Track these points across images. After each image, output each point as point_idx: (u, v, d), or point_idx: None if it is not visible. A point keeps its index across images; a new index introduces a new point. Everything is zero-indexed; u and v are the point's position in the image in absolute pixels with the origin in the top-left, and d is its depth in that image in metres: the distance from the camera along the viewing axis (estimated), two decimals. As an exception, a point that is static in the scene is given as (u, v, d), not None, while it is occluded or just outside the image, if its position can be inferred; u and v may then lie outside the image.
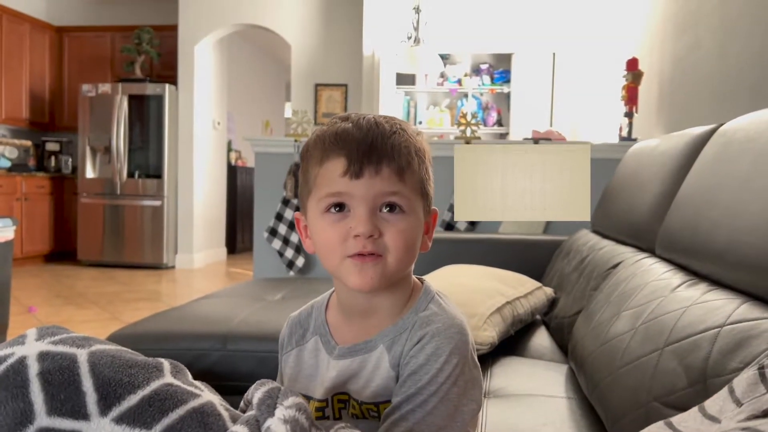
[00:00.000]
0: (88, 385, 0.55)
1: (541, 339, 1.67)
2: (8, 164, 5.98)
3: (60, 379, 0.55)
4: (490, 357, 1.45)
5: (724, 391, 0.60)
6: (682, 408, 0.77)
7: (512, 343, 1.59)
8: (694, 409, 0.61)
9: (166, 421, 0.55)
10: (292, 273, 3.28)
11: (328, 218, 0.70)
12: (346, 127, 0.70)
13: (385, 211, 0.70)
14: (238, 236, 7.44)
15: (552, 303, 1.78)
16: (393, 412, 0.68)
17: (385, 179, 0.69)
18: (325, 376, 0.77)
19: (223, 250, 6.87)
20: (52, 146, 6.58)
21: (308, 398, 0.78)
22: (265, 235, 3.31)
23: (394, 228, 0.70)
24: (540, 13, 5.54)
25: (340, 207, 0.70)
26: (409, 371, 0.69)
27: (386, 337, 0.74)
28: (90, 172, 6.05)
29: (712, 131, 1.29)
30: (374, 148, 0.69)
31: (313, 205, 0.72)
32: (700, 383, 0.77)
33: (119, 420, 0.54)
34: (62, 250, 6.29)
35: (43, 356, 0.57)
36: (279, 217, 3.30)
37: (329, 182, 0.70)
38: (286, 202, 3.29)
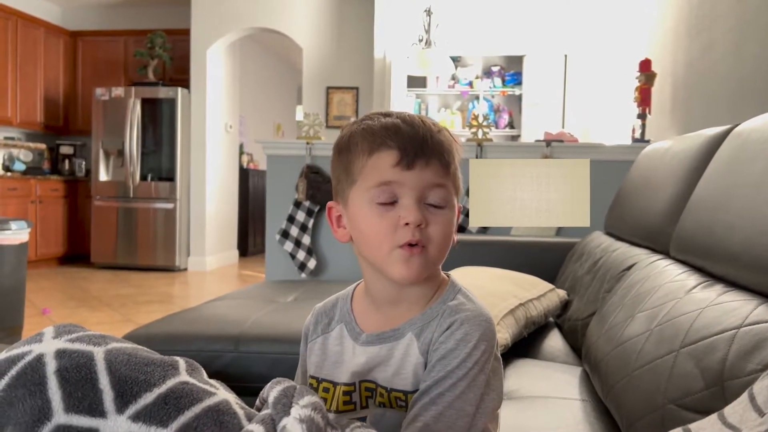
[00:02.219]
0: (104, 382, 0.56)
1: (555, 341, 1.66)
2: (23, 167, 6.04)
3: (77, 376, 0.56)
4: (503, 359, 1.44)
5: (745, 398, 0.59)
6: (699, 410, 0.76)
7: (525, 345, 1.58)
8: (714, 416, 0.60)
9: (182, 419, 0.55)
10: (303, 275, 3.29)
11: (377, 208, 0.73)
12: (395, 122, 0.74)
13: (430, 204, 0.73)
14: (250, 239, 7.47)
15: (565, 305, 1.78)
16: (422, 396, 0.70)
17: (434, 172, 0.73)
18: (351, 362, 0.78)
19: (235, 252, 6.89)
20: (66, 149, 6.64)
21: (334, 383, 0.79)
22: (277, 237, 3.32)
23: (438, 220, 0.73)
24: (551, 15, 5.53)
25: (390, 199, 0.73)
26: (438, 356, 0.71)
27: (414, 325, 0.76)
28: (103, 175, 6.10)
29: (727, 132, 1.28)
30: (426, 142, 0.73)
31: (359, 194, 0.74)
32: (717, 385, 0.76)
33: (136, 418, 0.54)
34: (76, 253, 6.34)
35: (60, 354, 0.57)
36: (291, 220, 3.30)
37: (380, 172, 0.73)
38: (297, 205, 3.30)
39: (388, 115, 0.76)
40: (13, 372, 0.56)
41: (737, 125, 1.21)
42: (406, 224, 0.71)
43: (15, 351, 0.59)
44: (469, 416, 0.69)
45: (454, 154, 0.76)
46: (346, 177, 0.76)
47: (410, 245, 0.72)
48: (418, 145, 0.72)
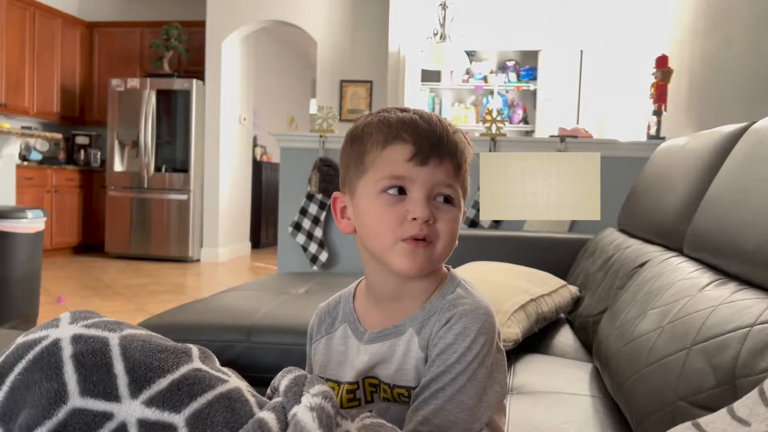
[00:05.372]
0: (119, 368, 0.56)
1: (565, 337, 1.66)
2: (39, 157, 6.10)
3: (93, 361, 0.56)
4: (513, 354, 1.44)
5: (755, 393, 0.58)
6: (710, 408, 0.76)
7: (536, 340, 1.58)
8: (723, 411, 0.60)
9: (195, 405, 0.56)
10: (315, 267, 3.30)
11: (384, 199, 0.73)
12: (413, 117, 0.74)
13: (439, 200, 0.73)
14: (262, 231, 7.50)
15: (577, 301, 1.77)
16: (422, 391, 0.71)
17: (445, 171, 0.73)
18: (355, 360, 0.79)
19: (248, 244, 6.93)
20: (81, 140, 6.69)
21: (338, 382, 0.80)
22: (290, 229, 3.33)
23: (446, 217, 0.73)
24: (567, 10, 5.49)
25: (400, 190, 0.72)
26: (438, 351, 0.71)
27: (415, 321, 0.75)
28: (118, 166, 6.15)
29: (744, 130, 1.26)
30: (441, 141, 0.73)
31: (368, 185, 0.74)
32: (728, 383, 0.76)
33: (149, 403, 0.55)
34: (90, 242, 6.40)
35: (76, 339, 0.58)
36: (303, 212, 3.31)
37: (392, 165, 0.72)
38: (310, 197, 3.30)
39: (404, 110, 0.76)
40: (30, 356, 0.57)
41: (754, 123, 1.20)
42: (414, 219, 0.71)
43: (32, 336, 0.59)
44: (470, 409, 0.69)
45: (466, 156, 0.76)
46: (357, 167, 0.76)
47: (416, 239, 0.72)
48: (433, 142, 0.72)
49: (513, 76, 6.54)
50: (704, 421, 0.61)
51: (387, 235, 0.72)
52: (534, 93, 6.35)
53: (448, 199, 0.74)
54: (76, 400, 0.54)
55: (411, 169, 0.72)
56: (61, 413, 0.54)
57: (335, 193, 0.81)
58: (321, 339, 0.85)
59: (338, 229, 0.81)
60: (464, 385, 0.69)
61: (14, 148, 3.54)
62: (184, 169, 6.05)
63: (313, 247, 3.30)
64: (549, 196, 1.60)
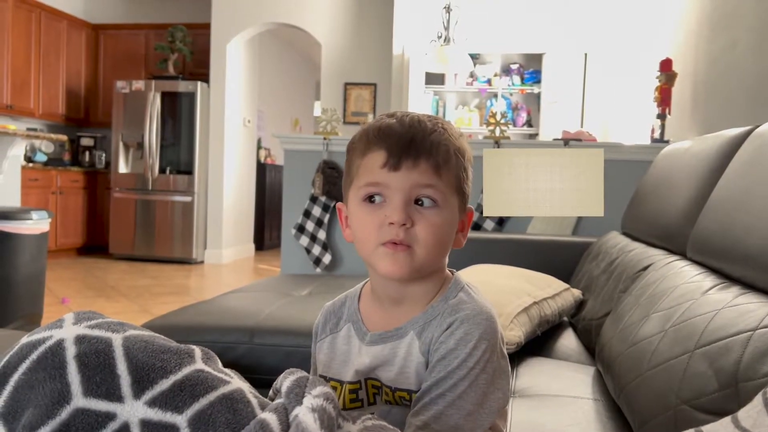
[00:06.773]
0: (122, 368, 0.57)
1: (568, 340, 1.66)
2: (44, 158, 6.12)
3: (96, 361, 0.57)
4: (516, 357, 1.44)
5: (759, 401, 0.58)
6: (712, 411, 0.76)
7: (539, 343, 1.58)
8: (727, 419, 0.60)
9: (197, 406, 0.56)
10: (318, 270, 3.30)
11: (366, 207, 0.74)
12: (390, 123, 0.75)
13: (420, 204, 0.73)
14: (266, 233, 7.51)
15: (580, 305, 1.77)
16: (423, 396, 0.71)
17: (422, 173, 0.73)
18: (357, 361, 0.79)
19: (252, 246, 6.94)
20: (86, 141, 6.72)
21: (341, 382, 0.80)
22: (293, 231, 3.34)
23: (426, 220, 0.73)
24: (572, 13, 5.49)
25: (377, 197, 0.74)
26: (438, 356, 0.71)
27: (416, 324, 0.76)
28: (123, 168, 6.17)
29: (748, 133, 1.26)
30: (414, 143, 0.73)
31: (354, 194, 0.76)
32: (731, 387, 0.76)
33: (152, 403, 0.55)
34: (94, 244, 6.42)
35: (79, 339, 0.58)
36: (307, 215, 3.32)
37: (369, 173, 0.74)
38: (314, 200, 3.31)
39: (391, 115, 0.77)
40: (34, 356, 0.57)
41: (758, 126, 1.20)
42: (391, 223, 0.72)
43: (36, 336, 0.60)
44: (471, 415, 0.69)
45: (449, 153, 0.74)
46: (347, 177, 0.79)
47: (394, 243, 0.72)
48: (404, 146, 0.72)
49: (517, 78, 6.54)
50: (708, 429, 0.60)
51: (369, 240, 0.74)
52: (538, 96, 6.35)
53: (429, 201, 0.73)
54: (79, 400, 0.55)
55: (386, 175, 0.73)
56: (65, 413, 0.54)
57: (339, 204, 0.83)
58: (325, 338, 0.85)
59: (344, 237, 0.82)
60: (465, 391, 0.69)
61: (19, 149, 3.56)
62: (189, 171, 6.06)
63: (316, 249, 3.31)
64: (552, 192, 1.59)
